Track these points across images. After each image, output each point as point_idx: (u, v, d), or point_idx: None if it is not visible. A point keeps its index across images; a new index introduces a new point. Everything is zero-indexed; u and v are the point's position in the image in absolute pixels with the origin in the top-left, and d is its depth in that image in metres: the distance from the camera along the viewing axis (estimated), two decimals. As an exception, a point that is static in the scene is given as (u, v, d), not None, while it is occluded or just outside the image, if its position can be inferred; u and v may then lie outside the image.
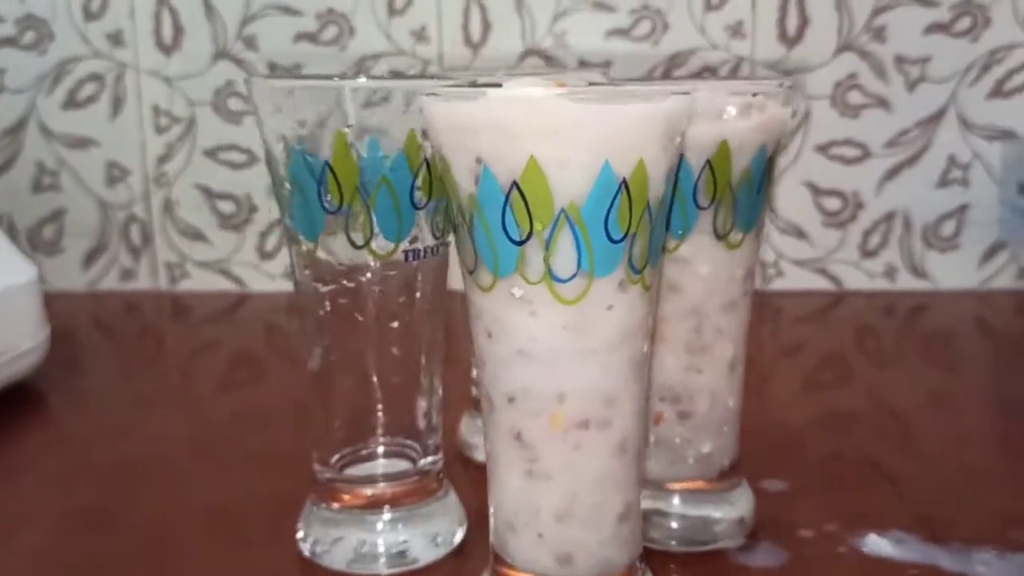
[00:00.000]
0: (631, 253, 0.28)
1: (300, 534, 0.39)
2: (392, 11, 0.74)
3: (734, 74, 0.74)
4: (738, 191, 0.35)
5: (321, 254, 0.34)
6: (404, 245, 0.34)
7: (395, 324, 0.35)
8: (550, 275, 0.28)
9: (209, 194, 0.78)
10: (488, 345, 0.30)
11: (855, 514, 0.41)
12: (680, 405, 0.37)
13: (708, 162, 0.34)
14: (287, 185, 0.34)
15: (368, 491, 0.38)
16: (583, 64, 0.74)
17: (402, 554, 0.38)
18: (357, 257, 0.34)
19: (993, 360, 0.67)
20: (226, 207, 0.78)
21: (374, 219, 0.33)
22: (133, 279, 0.80)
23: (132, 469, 0.48)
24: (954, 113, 0.74)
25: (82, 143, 0.77)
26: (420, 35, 0.74)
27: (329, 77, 0.34)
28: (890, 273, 0.78)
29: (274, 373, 0.65)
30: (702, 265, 0.36)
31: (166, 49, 0.76)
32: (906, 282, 0.78)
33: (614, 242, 0.28)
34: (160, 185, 0.78)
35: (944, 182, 0.76)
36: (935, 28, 0.73)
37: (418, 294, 0.36)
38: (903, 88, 0.74)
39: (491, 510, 0.32)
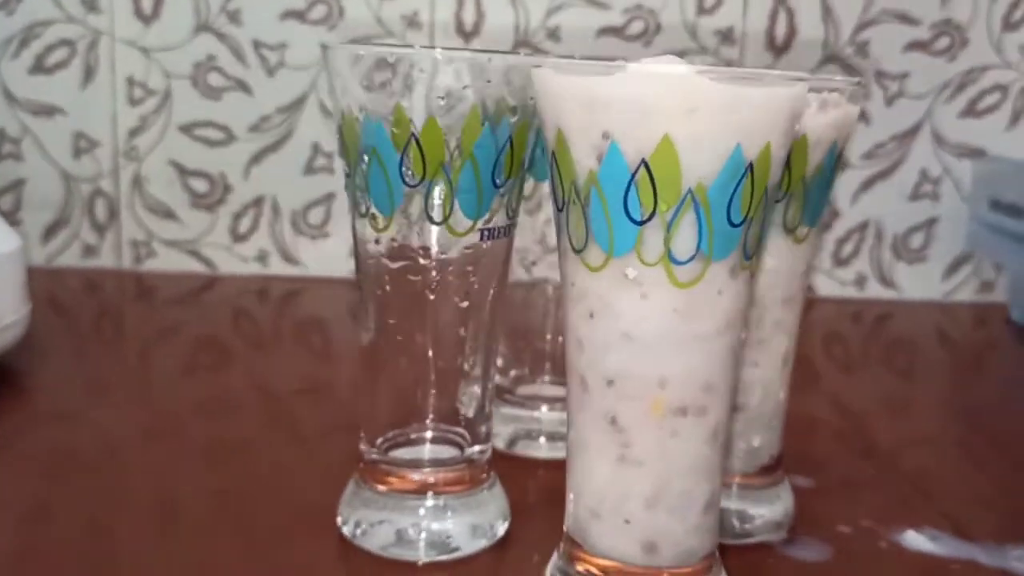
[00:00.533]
0: (746, 238, 0.28)
1: (340, 515, 0.38)
2: (385, -6, 0.73)
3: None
4: (809, 185, 0.35)
5: (395, 229, 0.33)
6: (481, 223, 0.34)
7: (464, 304, 0.34)
8: (668, 257, 0.27)
9: (182, 171, 0.75)
10: (589, 326, 0.29)
11: (886, 511, 0.42)
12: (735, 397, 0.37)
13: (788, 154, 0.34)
14: (365, 156, 0.33)
15: (414, 475, 0.37)
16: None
17: (443, 542, 0.37)
18: (433, 234, 0.33)
19: (954, 368, 0.69)
20: (199, 185, 0.75)
21: (456, 196, 0.33)
22: (95, 256, 0.76)
23: (75, 457, 0.45)
24: (929, 129, 0.77)
25: (48, 111, 0.74)
26: (412, 20, 0.73)
27: (408, 45, 0.33)
28: (860, 282, 0.80)
29: (240, 360, 0.63)
30: (769, 258, 0.36)
31: (145, 18, 0.73)
32: (874, 291, 0.80)
33: (733, 226, 0.27)
34: (130, 159, 0.75)
35: (916, 195, 0.78)
36: (915, 46, 0.75)
37: (486, 274, 0.35)
38: (882, 102, 0.76)
39: (570, 496, 0.32)
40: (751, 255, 0.28)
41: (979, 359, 0.71)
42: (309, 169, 0.75)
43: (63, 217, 0.75)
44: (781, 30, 0.75)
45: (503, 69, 0.32)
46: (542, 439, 0.46)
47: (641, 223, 0.27)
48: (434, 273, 0.34)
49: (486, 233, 0.34)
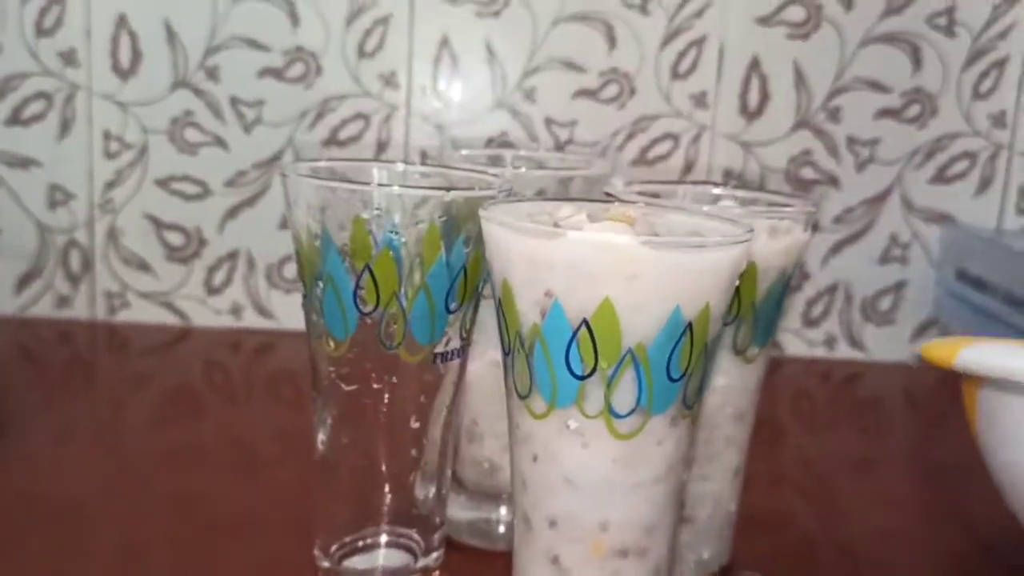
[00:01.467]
0: (686, 390, 0.29)
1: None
2: (362, 54, 0.73)
3: (696, 141, 0.76)
4: (759, 310, 0.36)
5: (348, 353, 0.34)
6: (434, 348, 0.34)
7: (415, 424, 0.35)
8: (609, 411, 0.28)
9: (157, 224, 0.75)
10: (532, 469, 0.30)
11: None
12: (684, 510, 0.38)
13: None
14: (320, 283, 0.33)
15: (370, 583, 0.38)
16: (549, 121, 0.75)
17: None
18: (386, 359, 0.34)
19: (918, 428, 0.70)
20: (174, 239, 0.76)
21: (409, 323, 0.33)
22: (68, 307, 0.76)
23: (38, 505, 0.45)
24: (898, 194, 0.78)
25: (24, 163, 0.74)
26: (389, 80, 0.74)
27: (366, 178, 0.33)
28: (829, 342, 0.80)
29: (211, 412, 0.63)
30: (719, 378, 0.36)
31: (122, 73, 0.73)
32: (843, 351, 0.81)
33: (673, 381, 0.28)
34: (105, 212, 0.75)
35: (885, 259, 0.79)
36: (886, 113, 0.76)
37: (440, 394, 0.35)
38: (852, 167, 0.77)
39: (515, 626, 0.32)
40: (692, 404, 0.29)
41: (944, 420, 0.72)
42: (284, 224, 0.76)
43: (37, 267, 0.76)
44: (754, 95, 0.76)
45: (460, 202, 0.33)
46: (501, 528, 0.46)
47: (582, 378, 0.28)
48: (386, 396, 0.34)
49: (439, 357, 0.34)
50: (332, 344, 0.34)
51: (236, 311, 0.77)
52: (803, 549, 0.45)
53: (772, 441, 0.63)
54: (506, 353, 0.30)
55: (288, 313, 0.77)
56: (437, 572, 0.39)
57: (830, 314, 0.80)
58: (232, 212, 0.75)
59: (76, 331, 0.76)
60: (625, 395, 0.28)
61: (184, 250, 0.76)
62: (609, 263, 0.26)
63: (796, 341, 0.80)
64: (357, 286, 0.33)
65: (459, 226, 0.33)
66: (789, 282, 0.37)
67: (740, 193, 0.38)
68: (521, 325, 0.28)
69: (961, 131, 0.77)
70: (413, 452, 0.36)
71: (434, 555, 0.38)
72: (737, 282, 0.29)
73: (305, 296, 0.35)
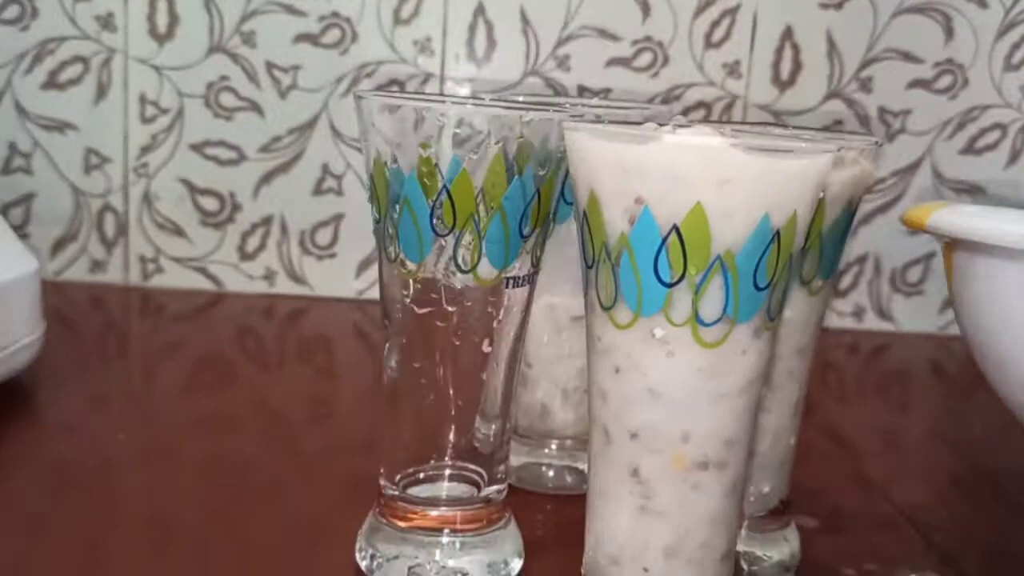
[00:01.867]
0: (770, 301, 0.29)
1: (359, 548, 0.38)
2: (397, 20, 0.74)
3: (729, 111, 0.76)
4: (825, 240, 0.36)
5: (422, 275, 0.34)
6: (507, 272, 0.34)
7: (487, 348, 0.35)
8: (696, 318, 0.28)
9: (192, 189, 0.76)
10: (614, 380, 0.30)
11: (888, 554, 0.43)
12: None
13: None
14: (396, 205, 0.33)
15: (432, 512, 0.38)
16: (583, 89, 0.75)
17: (457, 579, 0.38)
18: (460, 281, 0.34)
19: (947, 400, 0.71)
20: (209, 204, 0.76)
21: (484, 245, 0.33)
22: (102, 271, 0.77)
23: (70, 472, 0.45)
24: (929, 165, 0.78)
25: (60, 126, 0.74)
26: (424, 46, 0.74)
27: (441, 99, 0.34)
28: (858, 313, 0.81)
29: (243, 378, 0.63)
30: (785, 310, 0.37)
31: (159, 37, 0.73)
32: (871, 322, 0.81)
33: (759, 289, 0.28)
34: (140, 176, 0.75)
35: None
36: (917, 84, 0.77)
37: (508, 320, 0.36)
38: (883, 138, 0.77)
39: (589, 542, 0.32)
40: (774, 316, 0.29)
41: (972, 392, 0.73)
42: (318, 190, 0.76)
43: (71, 232, 0.76)
44: (787, 65, 0.76)
45: (534, 122, 0.33)
46: (551, 472, 0.47)
47: (670, 285, 0.28)
48: (459, 318, 0.35)
49: (511, 281, 0.35)
50: (408, 267, 0.34)
51: (269, 277, 0.77)
52: (842, 524, 0.45)
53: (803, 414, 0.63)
54: (589, 266, 0.30)
55: (321, 280, 0.78)
56: (503, 503, 0.39)
57: (859, 285, 0.80)
58: (266, 177, 0.76)
59: (110, 296, 0.76)
60: (712, 303, 0.28)
61: (218, 215, 0.76)
62: (702, 167, 0.27)
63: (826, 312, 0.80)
64: (433, 209, 0.33)
65: (534, 149, 0.33)
66: (854, 215, 0.37)
67: (803, 131, 0.39)
68: (608, 235, 0.29)
69: (992, 102, 0.77)
70: (482, 375, 0.36)
71: (495, 487, 0.38)
72: (821, 194, 0.29)
73: (377, 222, 0.35)
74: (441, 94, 0.72)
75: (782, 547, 0.40)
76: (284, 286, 0.78)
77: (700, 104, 0.76)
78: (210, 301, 0.76)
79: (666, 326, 0.28)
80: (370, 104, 0.34)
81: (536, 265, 0.36)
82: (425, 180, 0.33)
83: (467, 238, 0.33)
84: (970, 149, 0.78)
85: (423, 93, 0.32)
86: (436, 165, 0.33)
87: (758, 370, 0.30)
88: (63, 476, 0.45)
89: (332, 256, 0.77)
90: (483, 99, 0.35)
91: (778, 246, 0.28)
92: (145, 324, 0.75)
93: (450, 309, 0.34)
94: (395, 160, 0.33)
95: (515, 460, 0.47)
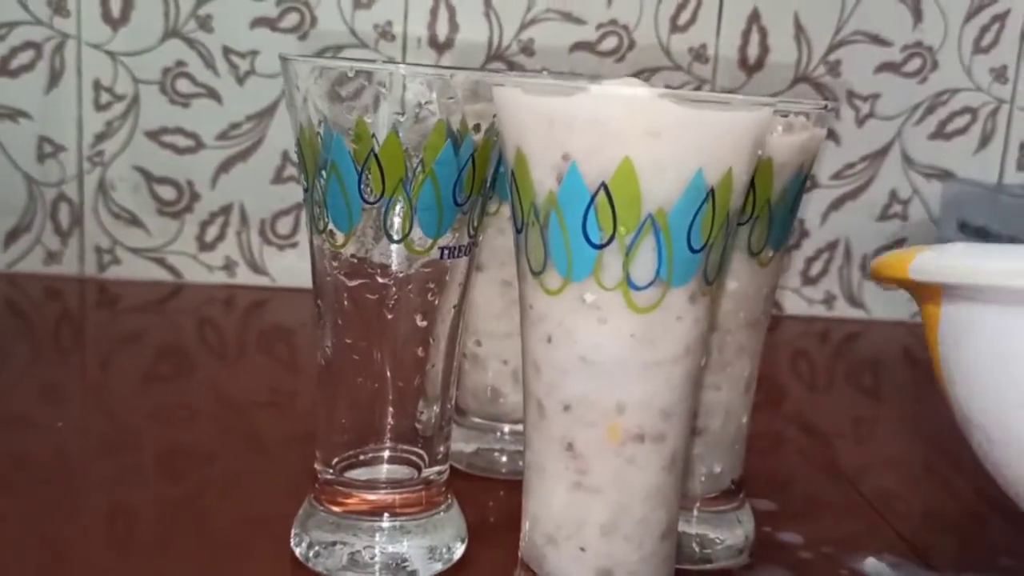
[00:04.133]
0: (707, 263, 0.28)
1: (294, 536, 0.37)
2: (358, 4, 0.72)
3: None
4: (775, 209, 0.35)
5: (352, 246, 0.33)
6: (441, 242, 0.33)
7: (423, 322, 0.34)
8: (627, 282, 0.27)
9: (148, 178, 0.74)
10: (546, 350, 0.29)
11: (848, 536, 0.41)
12: (695, 421, 0.37)
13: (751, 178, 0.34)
14: (323, 171, 0.32)
15: (370, 496, 0.36)
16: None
17: (399, 565, 0.36)
18: (392, 252, 0.33)
19: (918, 388, 0.70)
20: (166, 193, 0.74)
21: (415, 214, 0.32)
22: (57, 262, 0.75)
23: (28, 465, 0.44)
24: (899, 150, 0.77)
25: (12, 114, 0.73)
26: (384, 31, 0.73)
27: (371, 60, 0.32)
28: (828, 301, 0.80)
29: (202, 369, 0.62)
30: (732, 281, 0.35)
31: (113, 22, 0.72)
32: (842, 310, 0.80)
33: (694, 251, 0.27)
34: (95, 165, 0.74)
35: (885, 215, 0.78)
36: (886, 67, 0.76)
37: (446, 293, 0.34)
38: (852, 123, 0.76)
39: (525, 522, 0.31)
40: (711, 280, 0.28)
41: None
42: (278, 178, 0.74)
43: (25, 222, 0.74)
44: (753, 49, 0.75)
45: (467, 85, 0.32)
46: (503, 458, 0.45)
47: (600, 247, 0.27)
48: (393, 291, 0.33)
49: (446, 252, 0.33)
50: (337, 237, 0.33)
51: (229, 267, 0.76)
52: (803, 509, 0.44)
53: (770, 402, 0.62)
54: (519, 231, 0.29)
55: (282, 270, 0.76)
56: (444, 487, 0.37)
57: (829, 272, 0.79)
58: (225, 165, 0.74)
59: (65, 287, 0.74)
60: (644, 265, 0.27)
61: (176, 205, 0.75)
62: (629, 118, 0.25)
63: (795, 299, 0.79)
64: (362, 174, 0.31)
65: (467, 114, 0.32)
66: (805, 182, 0.36)
67: (752, 97, 0.37)
68: (536, 195, 0.27)
69: (962, 86, 0.76)
70: (419, 352, 0.34)
71: (436, 468, 0.37)
72: (760, 152, 0.28)
73: (306, 190, 0.33)
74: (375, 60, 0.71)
75: (735, 529, 0.38)
76: (244, 277, 0.76)
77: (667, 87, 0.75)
78: (169, 293, 0.75)
79: (597, 291, 0.27)
80: (298, 67, 0.32)
81: (474, 236, 0.34)
82: (354, 144, 0.31)
83: (398, 206, 0.32)
84: (940, 133, 0.77)
85: (353, 57, 0.31)
86: (367, 129, 0.31)
87: (695, 337, 0.28)
88: (19, 470, 0.44)
89: (293, 246, 0.76)
90: (423, 64, 0.33)
91: (713, 205, 0.27)
92: (102, 316, 0.73)
93: (382, 281, 0.33)
94: (322, 123, 0.32)
95: (467, 446, 0.46)
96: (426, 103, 0.31)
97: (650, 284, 0.27)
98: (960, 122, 0.77)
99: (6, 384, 0.54)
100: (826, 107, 0.35)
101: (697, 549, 0.38)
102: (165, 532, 0.39)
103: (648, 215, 0.26)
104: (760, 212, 0.35)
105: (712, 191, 0.26)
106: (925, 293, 0.35)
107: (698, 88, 0.75)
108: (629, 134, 0.25)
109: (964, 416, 0.36)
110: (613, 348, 0.28)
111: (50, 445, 0.46)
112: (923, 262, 0.33)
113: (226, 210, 0.75)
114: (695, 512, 0.38)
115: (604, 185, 0.26)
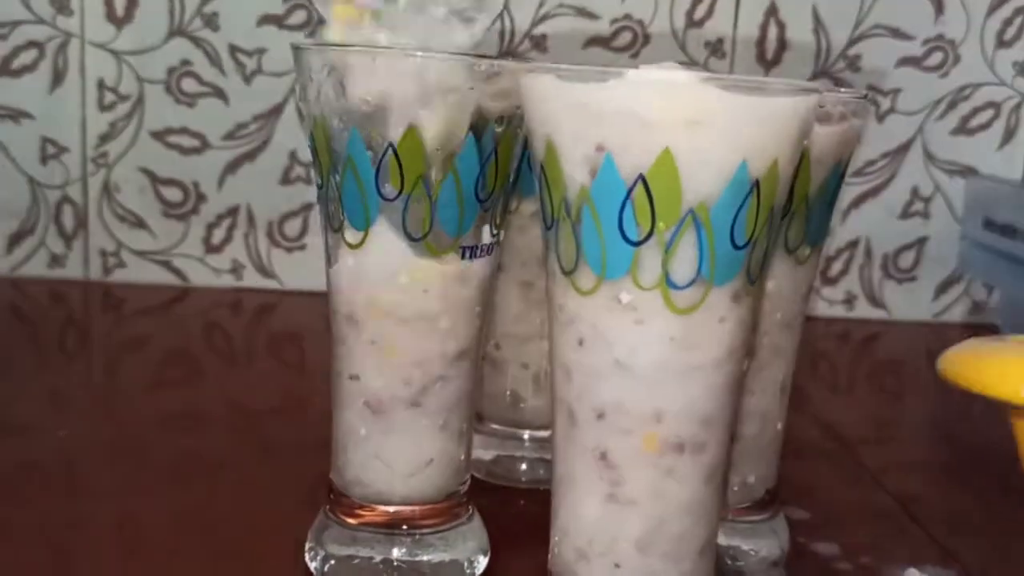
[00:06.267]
0: (750, 261, 0.26)
1: (308, 549, 0.35)
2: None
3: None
4: (812, 204, 0.33)
5: (371, 245, 0.31)
6: (463, 240, 0.31)
7: (444, 325, 0.32)
8: (666, 281, 0.25)
9: (153, 179, 0.72)
10: (578, 354, 0.27)
11: (885, 546, 0.40)
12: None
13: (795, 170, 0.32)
14: (338, 167, 0.30)
15: (388, 508, 0.35)
16: (560, 70, 0.72)
17: (419, 579, 0.35)
18: (411, 251, 0.31)
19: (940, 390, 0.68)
20: (172, 194, 0.73)
21: (436, 211, 0.30)
22: (61, 266, 0.73)
23: (33, 472, 0.43)
24: (920, 146, 0.75)
25: (14, 115, 0.71)
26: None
27: (390, 47, 0.31)
28: (849, 301, 0.78)
29: (211, 375, 0.60)
30: (769, 280, 0.34)
31: (117, 21, 0.70)
32: (863, 310, 0.78)
33: (737, 248, 0.25)
34: (99, 166, 0.72)
35: (906, 214, 0.76)
36: (907, 61, 0.74)
37: (468, 295, 0.33)
38: (873, 118, 0.75)
39: (555, 536, 0.29)
40: (755, 279, 0.26)
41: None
42: (286, 179, 0.73)
43: (28, 225, 0.73)
44: (771, 44, 0.73)
45: (491, 73, 0.30)
46: (523, 465, 0.44)
47: (637, 244, 0.25)
48: (411, 292, 0.32)
49: (468, 252, 0.32)
50: (352, 237, 0.31)
51: (236, 270, 0.74)
52: (835, 516, 0.43)
53: (792, 405, 0.60)
54: (548, 227, 0.27)
55: (290, 272, 0.75)
56: (465, 498, 0.36)
57: (850, 272, 0.77)
58: (231, 166, 0.73)
59: (69, 291, 0.73)
60: (685, 263, 0.25)
61: (181, 207, 0.73)
62: (668, 106, 0.24)
63: (814, 300, 0.77)
64: (379, 169, 0.30)
65: (489, 106, 0.30)
66: (843, 176, 0.34)
67: (796, 82, 0.36)
68: (567, 189, 0.26)
69: (985, 80, 0.74)
70: (440, 357, 0.33)
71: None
72: (806, 142, 0.26)
73: (320, 187, 0.32)
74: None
75: (770, 541, 0.37)
76: (252, 279, 0.75)
77: (682, 85, 0.73)
78: (175, 296, 0.73)
79: (633, 290, 0.25)
80: (312, 57, 0.31)
81: (497, 234, 0.33)
82: (371, 138, 0.30)
83: (417, 203, 0.30)
84: (962, 129, 0.75)
85: (370, 45, 0.29)
86: (382, 121, 0.30)
87: (739, 340, 0.27)
88: (26, 478, 0.42)
89: (302, 248, 0.74)
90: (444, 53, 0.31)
91: (757, 198, 0.25)
92: (107, 320, 0.72)
93: (401, 281, 0.31)
94: (337, 116, 0.30)
95: (485, 453, 0.44)
96: (447, 92, 0.30)
97: (691, 283, 0.25)
98: (983, 117, 0.75)
99: (11, 390, 0.53)
100: (866, 96, 0.33)
101: (729, 562, 0.36)
102: (174, 542, 0.38)
103: (689, 210, 0.24)
104: (797, 207, 0.33)
105: (757, 184, 0.25)
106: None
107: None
108: (668, 123, 0.24)
109: None
110: (651, 352, 0.26)
111: (57, 452, 0.45)
112: None
113: (233, 212, 0.73)
114: (728, 523, 0.36)
115: (642, 178, 0.24)
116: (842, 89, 0.33)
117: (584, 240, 0.26)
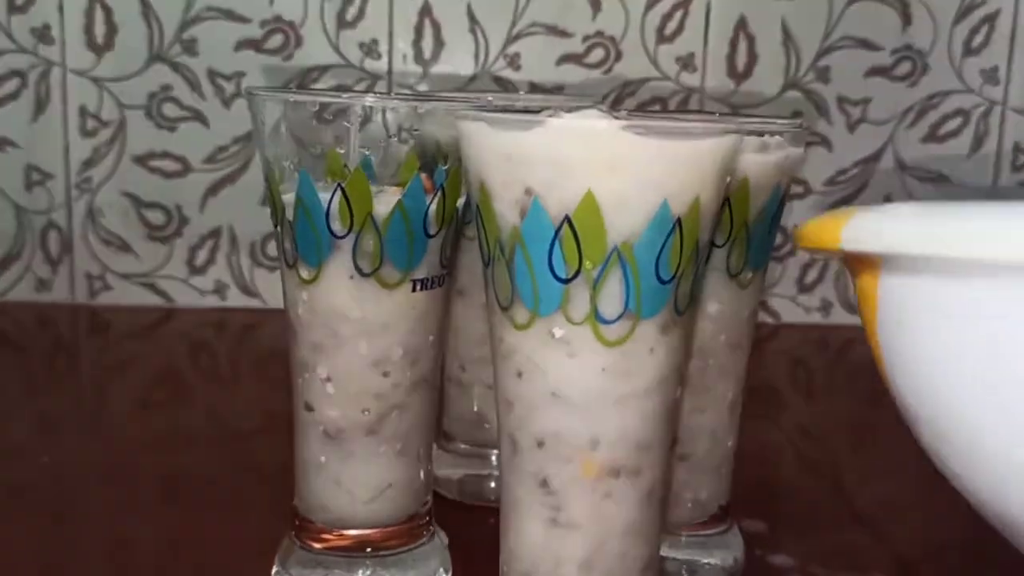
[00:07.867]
0: (676, 295, 0.27)
1: (275, 573, 0.36)
2: (342, 23, 0.72)
3: (684, 105, 0.74)
4: (753, 229, 0.34)
5: (323, 280, 0.32)
6: (413, 274, 0.32)
7: (398, 356, 0.33)
8: (595, 316, 0.26)
9: (137, 203, 0.74)
10: (517, 386, 0.28)
11: (839, 558, 0.41)
12: (680, 447, 0.36)
13: (727, 199, 0.33)
14: (290, 207, 0.32)
15: (352, 532, 0.36)
16: (534, 88, 0.73)
17: (383, 600, 0.36)
18: (363, 285, 0.32)
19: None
20: (155, 217, 0.74)
21: (385, 246, 0.31)
22: (48, 290, 0.75)
23: (23, 495, 0.44)
24: (891, 154, 0.76)
25: (-2, 143, 0.72)
26: (370, 49, 0.72)
27: (338, 93, 0.32)
28: (825, 308, 0.79)
29: (198, 394, 0.62)
30: (712, 304, 0.35)
31: (97, 48, 0.71)
32: (840, 317, 0.79)
33: (663, 283, 0.26)
34: (83, 191, 0.73)
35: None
36: (876, 71, 0.75)
37: (422, 325, 0.34)
38: (844, 128, 0.76)
39: (503, 559, 0.30)
40: (683, 311, 0.28)
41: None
42: (267, 200, 0.74)
43: (15, 251, 0.74)
44: (742, 57, 0.74)
45: (434, 116, 0.31)
46: (492, 484, 0.45)
47: (566, 281, 0.26)
48: (365, 325, 0.33)
49: (419, 284, 0.33)
50: (305, 273, 0.32)
51: (220, 291, 0.76)
52: (804, 519, 0.44)
53: (768, 411, 0.61)
54: (486, 264, 0.28)
55: (273, 291, 0.76)
56: (427, 519, 0.37)
57: (825, 279, 0.78)
58: (213, 189, 0.74)
59: (56, 315, 0.74)
60: (612, 298, 0.26)
61: (165, 229, 0.74)
62: (589, 151, 0.25)
63: (791, 307, 0.79)
64: (329, 207, 0.31)
65: (436, 145, 0.32)
66: (783, 202, 0.35)
67: (716, 124, 0.37)
68: (500, 230, 0.27)
69: (953, 88, 0.76)
70: (393, 385, 0.34)
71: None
72: (727, 182, 0.27)
73: (276, 226, 0.33)
74: (346, 90, 0.70)
75: (724, 553, 0.38)
76: (236, 299, 0.76)
77: (655, 99, 0.74)
78: (160, 317, 0.74)
79: (565, 325, 0.26)
80: (264, 102, 0.32)
81: (447, 266, 0.34)
82: (320, 178, 0.31)
83: (367, 239, 0.31)
84: (932, 136, 0.76)
85: (323, 89, 0.30)
86: (335, 163, 0.31)
87: (669, 368, 0.28)
88: (16, 501, 0.43)
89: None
90: (394, 94, 0.33)
91: (680, 235, 0.26)
92: (94, 343, 0.73)
93: (353, 315, 0.32)
94: (288, 159, 0.31)
95: (454, 472, 0.45)
96: (392, 136, 0.31)
97: (619, 317, 0.26)
98: (953, 124, 0.76)
99: (1, 413, 0.54)
100: (800, 125, 0.35)
101: (685, 574, 0.37)
102: (161, 562, 0.38)
103: (614, 248, 0.26)
104: (738, 234, 0.34)
105: (679, 221, 0.26)
106: (861, 266, 0.28)
107: (686, 99, 0.74)
108: (590, 168, 0.25)
109: (909, 410, 0.30)
110: (584, 382, 0.27)
111: (46, 475, 0.46)
112: (860, 228, 0.26)
113: (215, 233, 0.75)
114: (683, 537, 0.37)
115: (568, 219, 0.25)
116: (777, 120, 0.34)
117: (517, 278, 0.27)
